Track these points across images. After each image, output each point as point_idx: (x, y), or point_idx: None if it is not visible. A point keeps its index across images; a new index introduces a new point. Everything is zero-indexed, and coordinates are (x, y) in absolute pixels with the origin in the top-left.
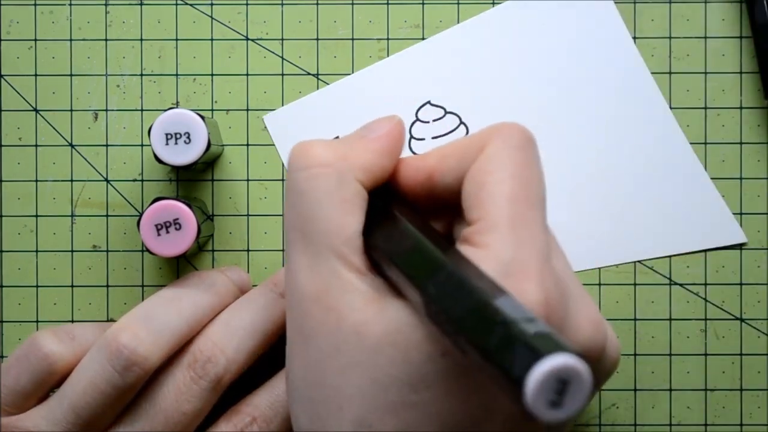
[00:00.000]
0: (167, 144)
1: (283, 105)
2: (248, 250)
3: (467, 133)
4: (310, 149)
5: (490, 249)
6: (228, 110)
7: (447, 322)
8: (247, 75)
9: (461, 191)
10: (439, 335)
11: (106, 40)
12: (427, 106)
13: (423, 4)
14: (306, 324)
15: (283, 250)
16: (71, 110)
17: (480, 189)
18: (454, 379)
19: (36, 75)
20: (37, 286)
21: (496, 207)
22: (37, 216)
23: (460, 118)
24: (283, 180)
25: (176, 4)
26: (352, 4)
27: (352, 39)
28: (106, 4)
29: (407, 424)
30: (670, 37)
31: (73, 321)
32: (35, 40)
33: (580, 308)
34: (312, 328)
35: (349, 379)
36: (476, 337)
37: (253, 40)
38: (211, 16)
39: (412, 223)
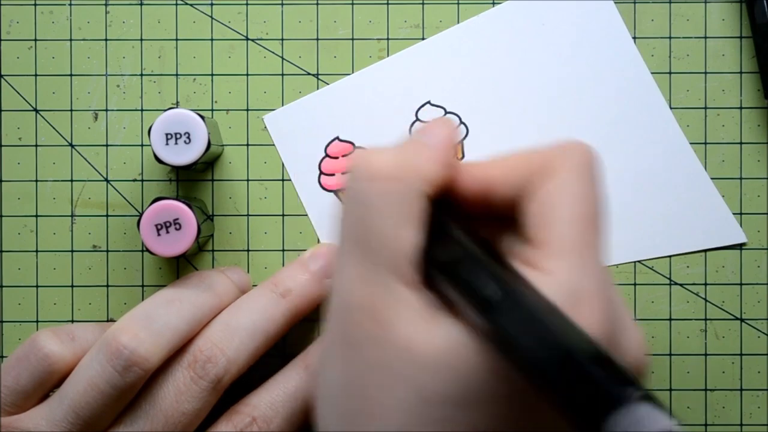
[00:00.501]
0: (167, 144)
1: (283, 105)
2: (248, 250)
3: (467, 133)
4: (377, 159)
5: (554, 275)
6: (228, 110)
7: (516, 356)
8: (247, 75)
9: (524, 208)
10: (493, 358)
11: (106, 40)
12: (427, 106)
13: (423, 4)
14: (352, 334)
15: (283, 251)
16: (71, 110)
17: (549, 211)
18: (504, 402)
19: (36, 75)
20: (37, 286)
21: (563, 231)
22: (37, 216)
23: (460, 118)
24: (282, 180)
25: (176, 4)
26: (352, 4)
27: (352, 39)
28: (106, 4)
29: None
30: (670, 37)
31: (73, 321)
32: (35, 40)
33: (628, 331)
34: (358, 339)
35: (393, 392)
36: (550, 377)
37: (253, 40)
38: (211, 16)
39: (474, 242)
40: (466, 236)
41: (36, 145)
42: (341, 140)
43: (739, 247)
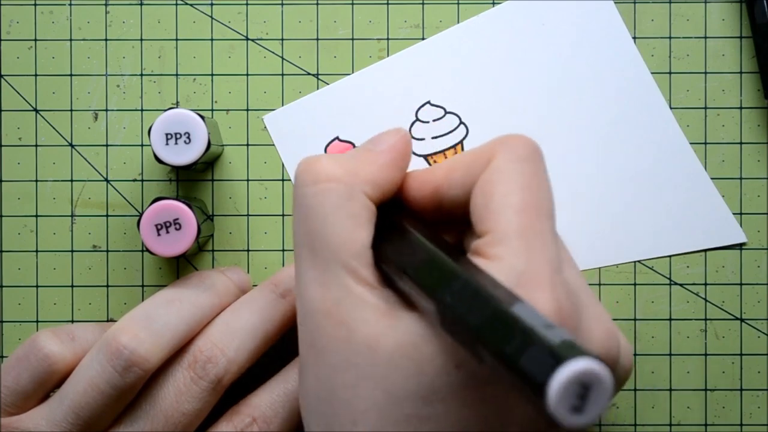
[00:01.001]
0: (167, 144)
1: (283, 105)
2: (248, 250)
3: (467, 133)
4: (317, 164)
5: (501, 261)
6: (228, 110)
7: (464, 332)
8: (247, 75)
9: (470, 204)
10: (453, 347)
11: (106, 40)
12: (427, 106)
13: (423, 4)
14: (317, 338)
15: (283, 250)
16: (71, 110)
17: (488, 201)
18: (469, 390)
19: (36, 75)
20: (37, 286)
21: (505, 219)
22: (37, 216)
23: (460, 118)
24: (282, 180)
25: (176, 4)
26: (352, 4)
27: (352, 39)
28: (106, 4)
29: None
30: (670, 37)
31: (73, 321)
32: (35, 40)
33: (592, 317)
34: (323, 343)
35: (361, 392)
36: (496, 345)
37: (253, 40)
38: (211, 16)
39: (422, 235)
40: (420, 234)
41: (36, 145)
42: (341, 140)
43: (739, 247)
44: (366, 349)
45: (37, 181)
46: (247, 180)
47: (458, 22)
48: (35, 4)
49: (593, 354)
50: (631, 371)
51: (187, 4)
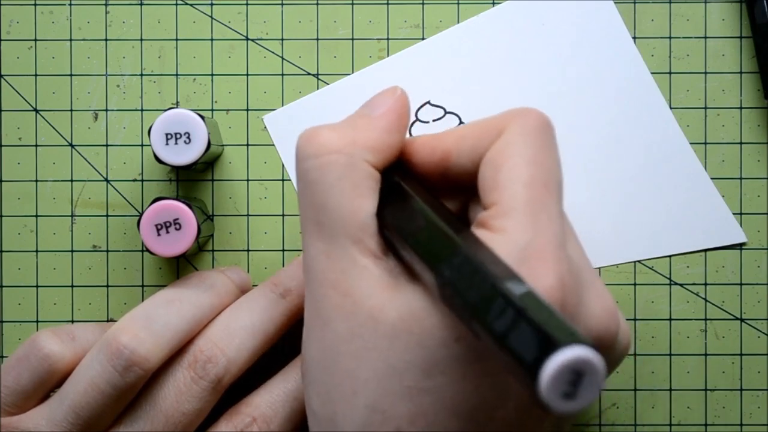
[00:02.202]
0: (167, 144)
1: (283, 105)
2: (248, 250)
3: None
4: (317, 136)
5: (505, 233)
6: (228, 110)
7: (461, 306)
8: (247, 75)
9: (477, 174)
10: (454, 320)
11: (106, 40)
12: (427, 106)
13: (423, 4)
14: (323, 308)
15: (283, 251)
16: (71, 110)
17: (497, 172)
18: (468, 364)
19: (36, 75)
20: (37, 286)
21: (513, 191)
22: (37, 216)
23: (459, 118)
24: (282, 180)
25: (176, 4)
26: (352, 4)
27: (352, 39)
28: (106, 4)
29: (421, 410)
30: (670, 37)
31: (73, 321)
32: (35, 40)
33: (594, 295)
34: (329, 313)
35: (363, 363)
36: (490, 323)
37: (253, 40)
38: (211, 16)
39: (426, 203)
40: (424, 202)
41: (36, 145)
42: None
43: (739, 247)
44: (370, 320)
45: (37, 181)
46: (247, 180)
47: (458, 22)
48: (35, 4)
49: (588, 340)
50: (629, 349)
51: (187, 4)
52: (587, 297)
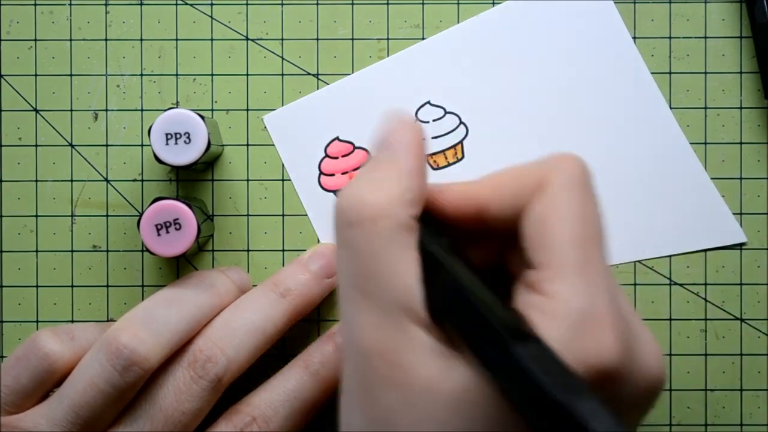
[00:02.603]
0: (167, 144)
1: (283, 105)
2: (248, 250)
3: (467, 133)
4: (358, 197)
5: (559, 298)
6: (228, 110)
7: (517, 410)
8: (247, 75)
9: (521, 229)
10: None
11: (106, 40)
12: (427, 106)
13: (423, 4)
14: (370, 380)
15: (283, 251)
16: (71, 110)
17: (543, 231)
18: None
19: (36, 75)
20: (37, 286)
21: (563, 252)
22: (37, 216)
23: (459, 118)
24: (282, 180)
25: (176, 4)
26: (352, 4)
27: (352, 39)
28: (106, 4)
29: None
30: (670, 37)
31: (73, 321)
32: (35, 40)
33: (644, 345)
34: (378, 384)
35: (419, 429)
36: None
37: (253, 40)
38: (211, 16)
39: (468, 278)
40: (461, 268)
41: (36, 145)
42: (341, 140)
43: (739, 247)
44: (426, 391)
45: (37, 181)
46: (247, 180)
47: (458, 22)
48: (35, 4)
49: None
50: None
51: (187, 4)
52: (640, 349)
